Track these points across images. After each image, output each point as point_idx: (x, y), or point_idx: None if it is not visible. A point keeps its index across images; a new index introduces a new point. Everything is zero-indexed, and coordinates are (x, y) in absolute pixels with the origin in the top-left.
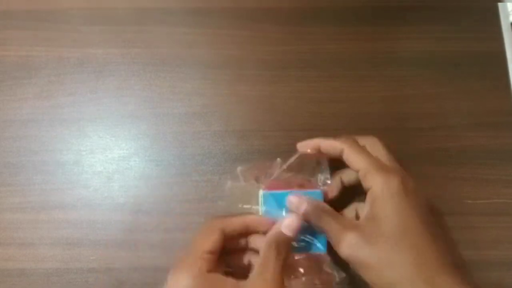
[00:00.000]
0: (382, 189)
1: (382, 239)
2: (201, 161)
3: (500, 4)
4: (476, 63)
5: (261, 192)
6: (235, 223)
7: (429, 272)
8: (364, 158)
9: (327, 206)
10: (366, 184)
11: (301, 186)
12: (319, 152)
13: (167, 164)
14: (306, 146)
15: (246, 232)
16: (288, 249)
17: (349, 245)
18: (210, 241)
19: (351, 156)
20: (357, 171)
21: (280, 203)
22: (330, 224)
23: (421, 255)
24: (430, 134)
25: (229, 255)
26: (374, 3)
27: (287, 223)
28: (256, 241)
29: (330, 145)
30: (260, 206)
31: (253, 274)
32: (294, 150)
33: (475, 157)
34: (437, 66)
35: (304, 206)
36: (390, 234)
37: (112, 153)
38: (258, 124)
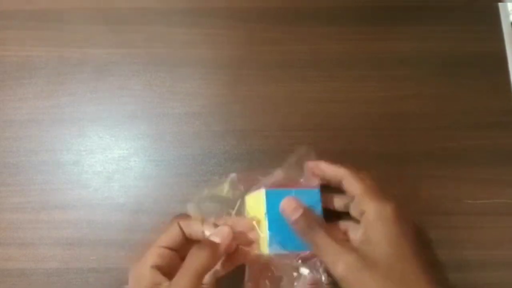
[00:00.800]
0: (376, 214)
1: (377, 264)
2: (201, 161)
3: (500, 4)
4: (476, 63)
5: (263, 191)
6: (193, 227)
7: None
8: (361, 185)
9: (322, 221)
10: (361, 208)
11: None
12: (319, 177)
13: (167, 164)
14: (313, 169)
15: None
16: (212, 257)
17: (348, 267)
18: (166, 236)
19: (350, 181)
20: (352, 196)
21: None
22: (325, 241)
23: (410, 285)
24: (430, 134)
25: None
26: (374, 3)
27: (218, 231)
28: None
29: (333, 171)
30: (264, 205)
31: (173, 280)
32: (293, 149)
33: (475, 157)
34: (437, 66)
35: (298, 214)
36: (384, 261)
37: (112, 153)
38: (258, 124)
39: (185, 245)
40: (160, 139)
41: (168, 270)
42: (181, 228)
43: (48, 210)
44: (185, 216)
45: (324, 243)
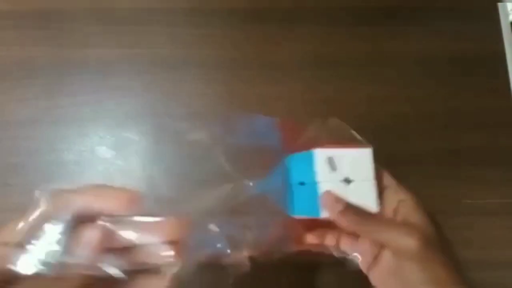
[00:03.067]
0: (416, 203)
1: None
2: (201, 161)
3: (500, 4)
4: (476, 63)
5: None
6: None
7: None
8: (393, 178)
9: (367, 212)
10: (398, 197)
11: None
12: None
13: (167, 164)
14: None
15: None
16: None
17: (423, 241)
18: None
19: (381, 173)
20: (384, 187)
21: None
22: (386, 222)
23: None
24: (430, 134)
25: None
26: (373, 4)
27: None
28: None
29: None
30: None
31: None
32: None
33: (475, 157)
34: (437, 66)
35: (341, 206)
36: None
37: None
38: None
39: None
40: (160, 139)
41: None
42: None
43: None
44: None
45: (385, 224)
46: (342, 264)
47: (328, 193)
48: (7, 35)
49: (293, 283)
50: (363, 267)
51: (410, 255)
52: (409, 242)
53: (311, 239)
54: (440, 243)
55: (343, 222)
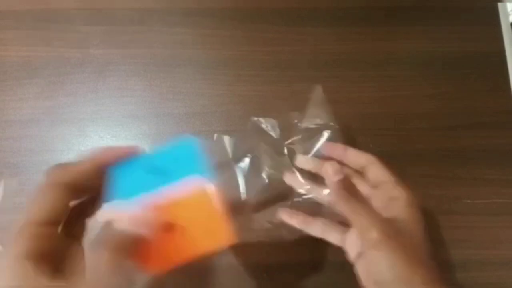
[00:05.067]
0: (408, 202)
1: (405, 237)
2: None
3: (500, 4)
4: (476, 63)
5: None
6: (83, 168)
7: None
8: (391, 173)
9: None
10: (391, 194)
11: None
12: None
13: None
14: (333, 150)
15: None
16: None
17: (382, 232)
18: (45, 206)
19: (379, 168)
20: (381, 181)
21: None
22: (360, 206)
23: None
24: (430, 134)
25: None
26: (374, 3)
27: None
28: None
29: (358, 155)
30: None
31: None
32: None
33: (475, 157)
34: (437, 66)
35: (340, 176)
36: (411, 238)
37: None
38: None
39: (73, 210)
40: (160, 139)
41: (50, 258)
42: (64, 191)
43: None
44: (63, 165)
45: (359, 207)
46: (341, 267)
47: (332, 162)
48: (7, 35)
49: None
50: (350, 258)
51: (372, 244)
52: (370, 232)
53: (295, 222)
54: (424, 244)
55: (333, 191)
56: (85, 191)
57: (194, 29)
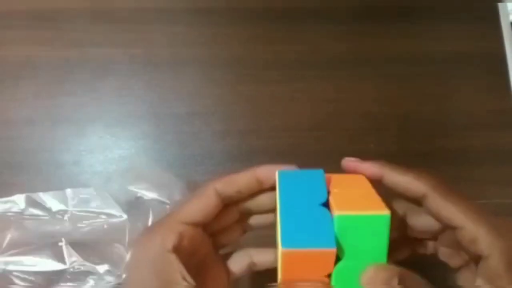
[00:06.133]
0: (506, 260)
1: None
2: (201, 161)
3: (500, 4)
4: (476, 63)
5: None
6: (240, 180)
7: None
8: (466, 211)
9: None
10: (474, 250)
11: None
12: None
13: (167, 164)
14: (362, 169)
15: (252, 193)
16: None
17: None
18: (196, 206)
19: (444, 206)
20: (451, 227)
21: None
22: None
23: None
24: (430, 134)
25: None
26: (374, 3)
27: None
28: (264, 201)
29: (401, 184)
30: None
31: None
32: (293, 149)
33: (475, 157)
34: (437, 66)
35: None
36: None
37: (112, 153)
38: (258, 124)
39: (217, 218)
40: (161, 139)
41: (190, 255)
42: (218, 195)
43: None
44: (225, 177)
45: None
46: None
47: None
48: (7, 35)
49: None
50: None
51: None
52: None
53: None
54: None
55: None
56: (238, 203)
57: (194, 29)
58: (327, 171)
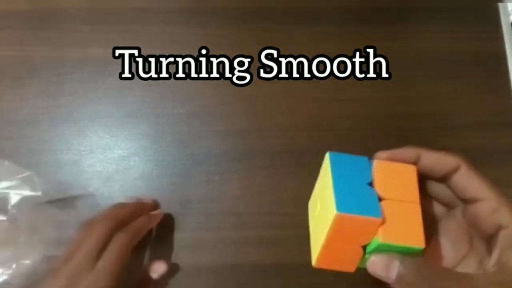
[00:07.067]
0: None
1: None
2: (201, 161)
3: (500, 4)
4: (476, 63)
5: (327, 155)
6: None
7: None
8: (491, 187)
9: (432, 265)
10: (495, 220)
11: None
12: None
13: (167, 164)
14: (398, 155)
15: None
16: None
17: None
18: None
19: (473, 178)
20: (475, 200)
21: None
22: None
23: None
24: (430, 134)
25: None
26: (373, 3)
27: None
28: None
29: (437, 158)
30: (330, 170)
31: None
32: (293, 149)
33: (475, 157)
34: (437, 66)
35: (395, 270)
36: None
37: (112, 153)
38: (258, 124)
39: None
40: (160, 139)
41: None
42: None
43: (59, 210)
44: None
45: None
46: None
47: (376, 257)
48: (7, 35)
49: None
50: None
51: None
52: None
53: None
54: None
55: (401, 286)
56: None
57: (194, 29)
58: None
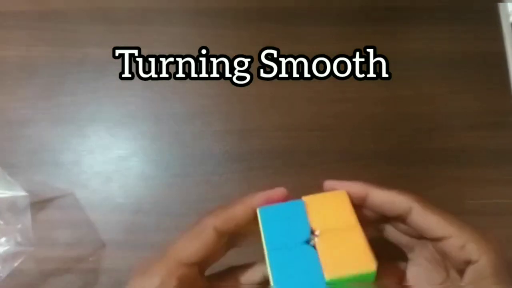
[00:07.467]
0: (490, 268)
1: None
2: (201, 161)
3: (500, 4)
4: (476, 63)
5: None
6: (238, 215)
7: None
8: (451, 222)
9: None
10: (464, 256)
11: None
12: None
13: (167, 164)
14: (345, 187)
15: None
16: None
17: None
18: (195, 248)
19: (430, 218)
20: (439, 239)
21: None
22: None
23: None
24: (430, 134)
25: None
26: (374, 4)
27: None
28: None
29: (387, 199)
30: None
31: None
32: (293, 149)
33: (475, 157)
34: (437, 66)
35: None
36: None
37: (112, 153)
38: (258, 124)
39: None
40: (160, 139)
41: None
42: (217, 233)
43: (47, 210)
44: (219, 211)
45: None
46: None
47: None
48: (6, 35)
49: None
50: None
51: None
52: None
53: None
54: None
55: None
56: (231, 234)
57: (194, 29)
58: (327, 170)
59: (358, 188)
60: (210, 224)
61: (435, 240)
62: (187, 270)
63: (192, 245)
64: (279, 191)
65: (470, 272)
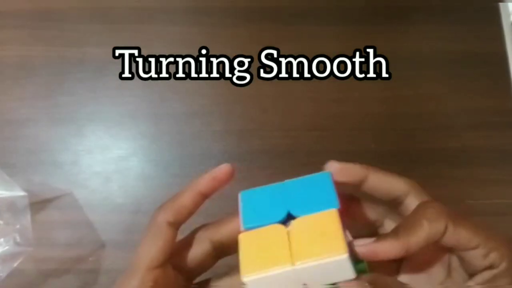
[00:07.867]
0: (509, 270)
1: None
2: (201, 161)
3: (500, 4)
4: (476, 63)
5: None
6: (185, 201)
7: None
8: (476, 228)
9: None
10: (485, 264)
11: None
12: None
13: (166, 164)
14: (346, 169)
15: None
16: None
17: None
18: (154, 248)
19: (436, 215)
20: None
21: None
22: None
23: None
24: (430, 134)
25: None
26: (374, 3)
27: None
28: (234, 229)
29: (391, 179)
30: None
31: None
32: (293, 149)
33: (475, 157)
34: (437, 66)
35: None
36: None
37: (111, 153)
38: (258, 124)
39: (185, 250)
40: (160, 139)
41: None
42: (171, 226)
43: (47, 211)
44: (167, 204)
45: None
46: None
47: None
48: (5, 35)
49: None
50: None
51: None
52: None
53: None
54: None
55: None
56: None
57: (194, 28)
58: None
59: (358, 169)
60: (163, 221)
61: (461, 250)
62: (161, 272)
63: (152, 247)
64: (224, 167)
65: (485, 274)
